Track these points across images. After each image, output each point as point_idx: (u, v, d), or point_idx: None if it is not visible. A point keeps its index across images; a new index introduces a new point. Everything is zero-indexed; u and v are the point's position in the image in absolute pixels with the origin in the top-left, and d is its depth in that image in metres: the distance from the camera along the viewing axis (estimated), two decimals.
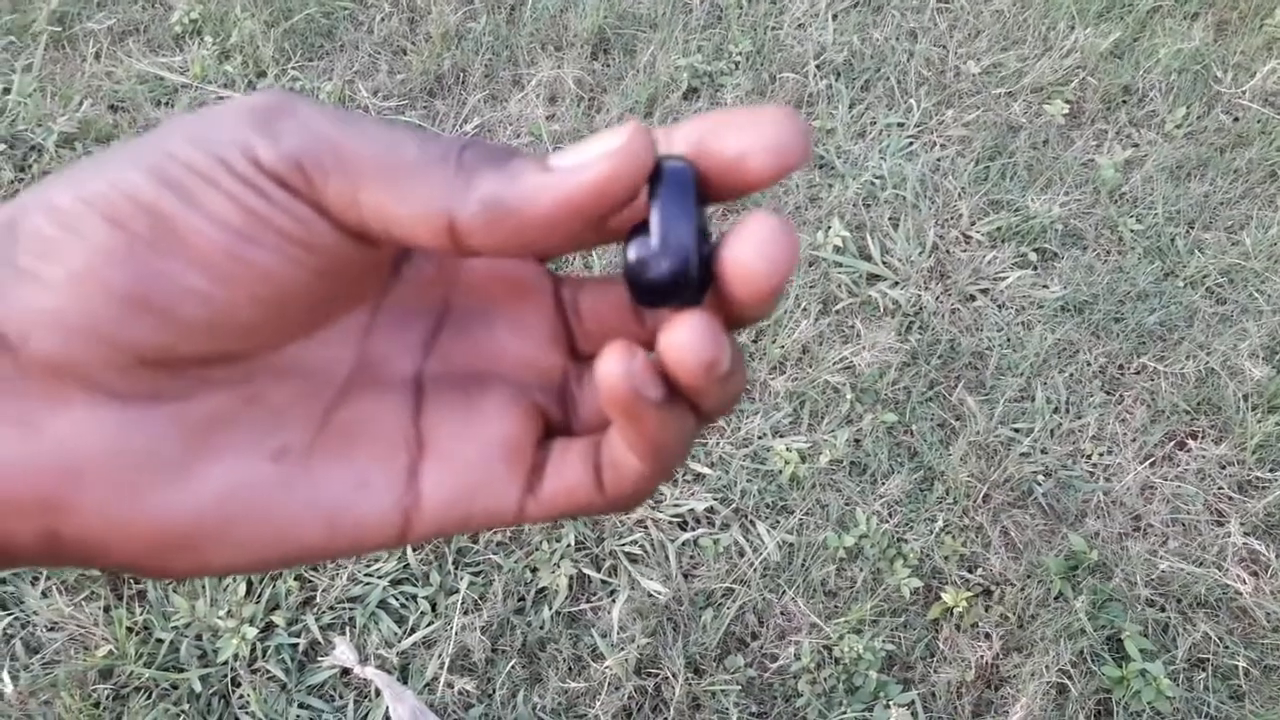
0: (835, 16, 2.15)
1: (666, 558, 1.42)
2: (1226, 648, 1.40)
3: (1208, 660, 1.39)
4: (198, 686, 1.27)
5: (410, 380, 0.28)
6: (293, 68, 1.94)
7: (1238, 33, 2.22)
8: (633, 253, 0.23)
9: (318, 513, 0.25)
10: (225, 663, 1.28)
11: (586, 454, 0.27)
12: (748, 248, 0.22)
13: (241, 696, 1.27)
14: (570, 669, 1.33)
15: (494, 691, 1.31)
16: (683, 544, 1.44)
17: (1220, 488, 1.55)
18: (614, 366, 0.23)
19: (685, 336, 0.22)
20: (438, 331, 0.28)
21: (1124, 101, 2.09)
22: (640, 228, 0.24)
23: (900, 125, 2.00)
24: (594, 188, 0.22)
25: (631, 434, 0.24)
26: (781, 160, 0.23)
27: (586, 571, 1.40)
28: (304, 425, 0.26)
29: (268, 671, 1.29)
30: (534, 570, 1.39)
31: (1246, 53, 2.19)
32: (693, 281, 0.23)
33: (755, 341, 1.65)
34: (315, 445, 0.26)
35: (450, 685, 1.31)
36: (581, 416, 0.29)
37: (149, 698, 1.26)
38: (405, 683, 1.31)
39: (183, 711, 1.25)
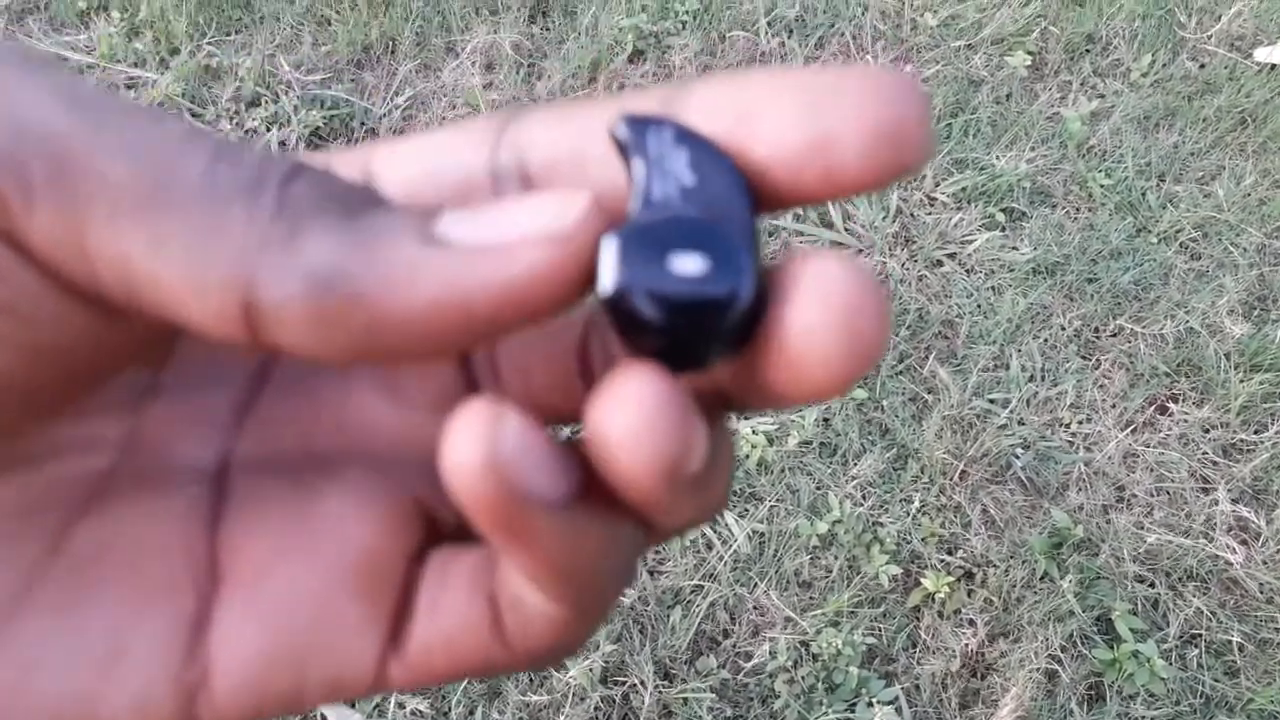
0: None
1: None
2: (1219, 622, 1.34)
3: (1200, 636, 1.33)
4: None
5: (209, 471, 0.18)
6: (208, 43, 1.81)
7: None
8: (637, 232, 0.14)
9: (29, 715, 0.15)
10: None
11: (479, 576, 0.17)
12: (816, 309, 0.13)
13: None
14: (531, 681, 1.24)
15: (449, 710, 1.21)
16: None
17: (1205, 453, 1.49)
18: (465, 446, 0.13)
19: (629, 416, 0.13)
20: (258, 393, 0.18)
21: (1087, 51, 2.01)
22: (650, 217, 0.14)
23: None
24: (516, 287, 0.13)
25: (522, 560, 0.15)
26: (897, 149, 0.14)
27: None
28: (18, 557, 0.16)
29: None
30: None
31: None
32: (743, 329, 0.14)
33: None
34: (33, 590, 0.16)
35: (402, 706, 1.21)
36: None
37: None
38: (353, 706, 1.21)
39: None
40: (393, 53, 1.83)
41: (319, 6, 1.88)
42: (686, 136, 0.14)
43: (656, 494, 0.14)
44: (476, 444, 0.13)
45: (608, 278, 0.13)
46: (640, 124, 0.15)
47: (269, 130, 1.69)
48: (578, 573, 0.15)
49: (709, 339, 0.14)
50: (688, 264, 0.13)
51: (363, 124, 1.74)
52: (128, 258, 0.13)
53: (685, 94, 0.15)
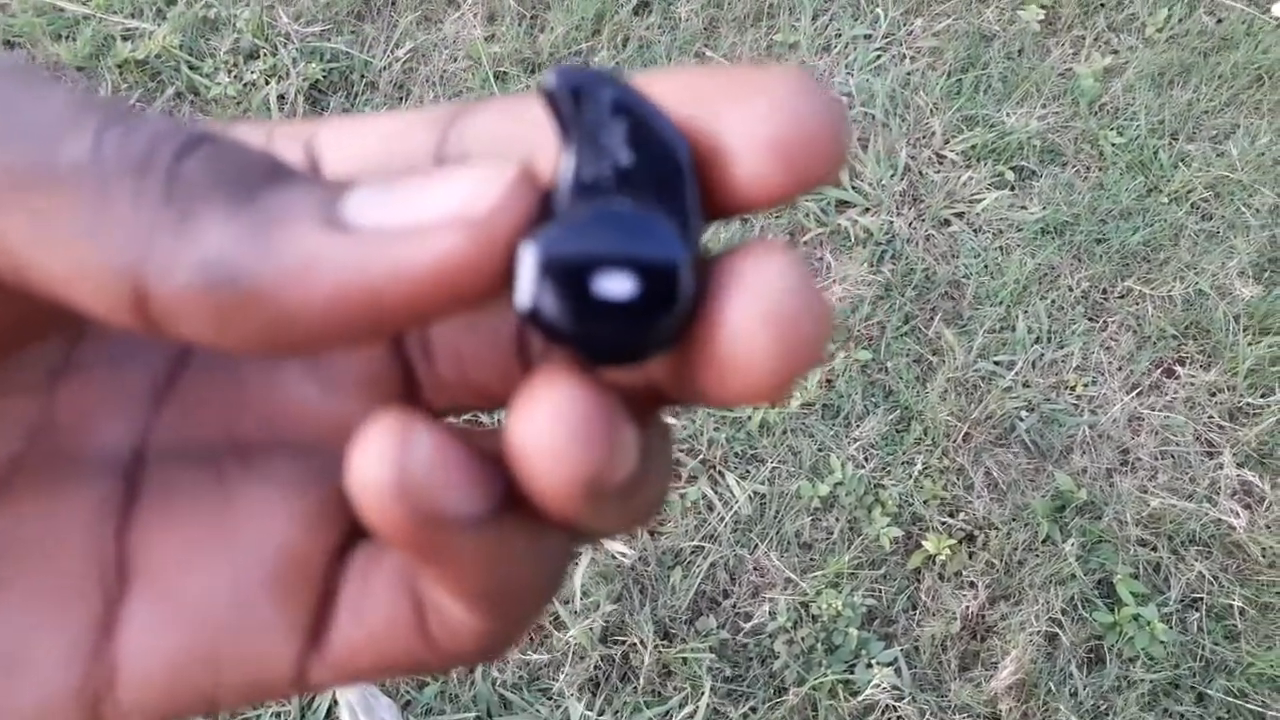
0: None
1: None
2: (1221, 586, 1.34)
3: (1201, 600, 1.33)
4: None
5: (123, 458, 0.16)
6: None
7: None
8: (557, 246, 0.12)
9: None
10: None
11: (404, 573, 0.16)
12: (750, 312, 0.13)
13: None
14: (531, 640, 1.24)
15: (449, 668, 1.22)
16: None
17: (1210, 417, 1.48)
18: (372, 467, 0.12)
19: (548, 429, 0.12)
20: (179, 371, 0.17)
21: (1102, 5, 1.97)
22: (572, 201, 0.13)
23: (867, 37, 1.87)
24: (427, 277, 0.12)
25: (438, 577, 0.14)
26: (795, 162, 0.13)
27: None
28: None
29: None
30: None
31: None
32: (674, 332, 0.13)
33: None
34: None
35: None
36: None
37: None
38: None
39: None
40: (393, 4, 1.80)
41: None
42: (627, 103, 0.13)
43: (579, 507, 0.13)
44: (384, 464, 0.12)
45: (524, 292, 0.12)
46: (576, 82, 0.13)
47: (268, 83, 1.66)
48: (498, 587, 0.14)
49: (636, 346, 0.13)
50: (613, 284, 0.12)
51: (363, 76, 1.71)
52: (7, 239, 0.12)
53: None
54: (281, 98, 1.65)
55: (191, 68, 1.68)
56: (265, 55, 1.70)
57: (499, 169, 0.12)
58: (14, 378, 0.16)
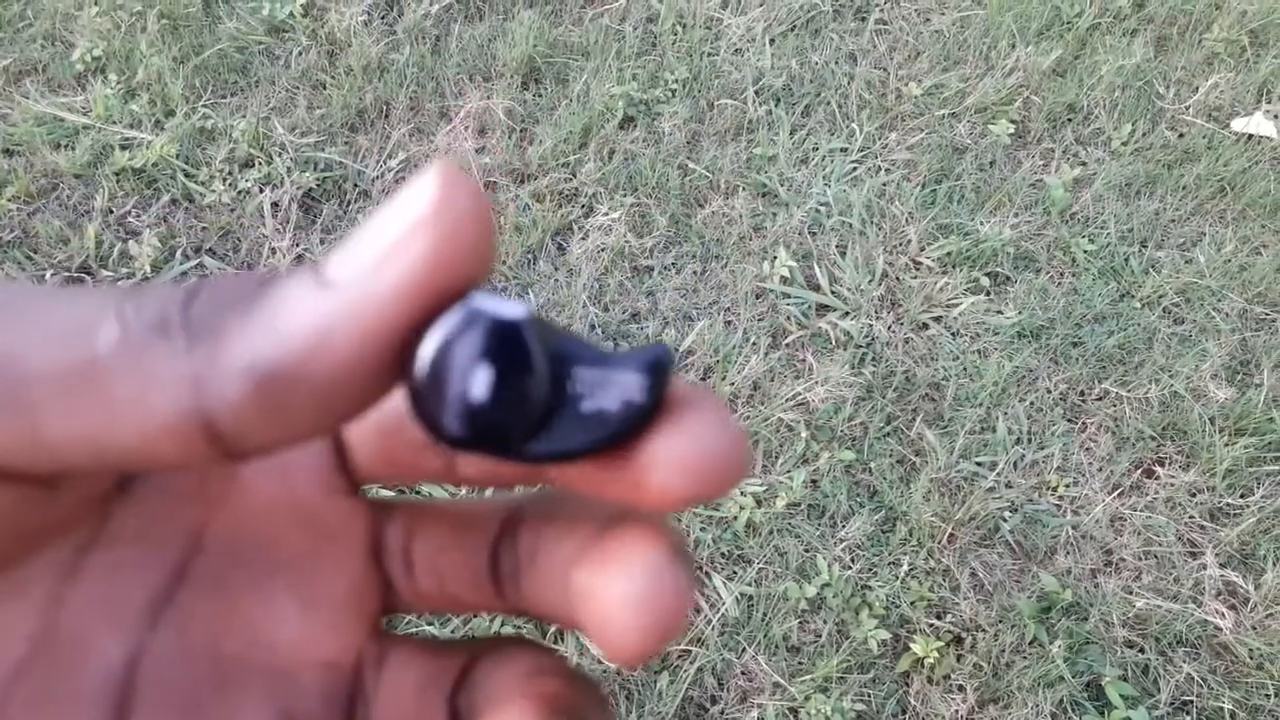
0: (773, 40, 2.09)
1: None
2: (1210, 689, 1.33)
3: (1192, 703, 1.32)
4: None
5: (117, 676, 0.17)
6: (204, 105, 1.83)
7: (1177, 48, 2.20)
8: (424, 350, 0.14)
9: None
10: None
11: None
12: (620, 589, 0.15)
13: None
14: None
15: None
16: None
17: (1191, 517, 1.49)
18: None
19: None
20: (176, 587, 0.18)
21: (1069, 120, 2.05)
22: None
23: (844, 150, 1.93)
24: (412, 291, 0.13)
25: None
26: (701, 482, 0.15)
27: (531, 639, 1.29)
28: None
29: None
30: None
31: (1187, 68, 2.16)
32: (516, 418, 0.15)
33: (704, 378, 1.56)
34: None
35: None
36: None
37: None
38: None
39: None
40: (386, 116, 1.86)
41: (314, 71, 1.91)
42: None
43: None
44: None
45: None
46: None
47: (262, 191, 1.70)
48: None
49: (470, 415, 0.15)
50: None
51: (355, 185, 1.75)
52: (80, 435, 0.14)
53: None
54: (275, 205, 1.69)
55: (188, 175, 1.72)
56: (260, 164, 1.74)
57: (433, 169, 0.14)
58: (26, 582, 0.17)
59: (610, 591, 0.14)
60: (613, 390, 0.15)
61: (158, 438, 0.13)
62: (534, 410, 0.15)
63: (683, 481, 0.15)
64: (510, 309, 0.14)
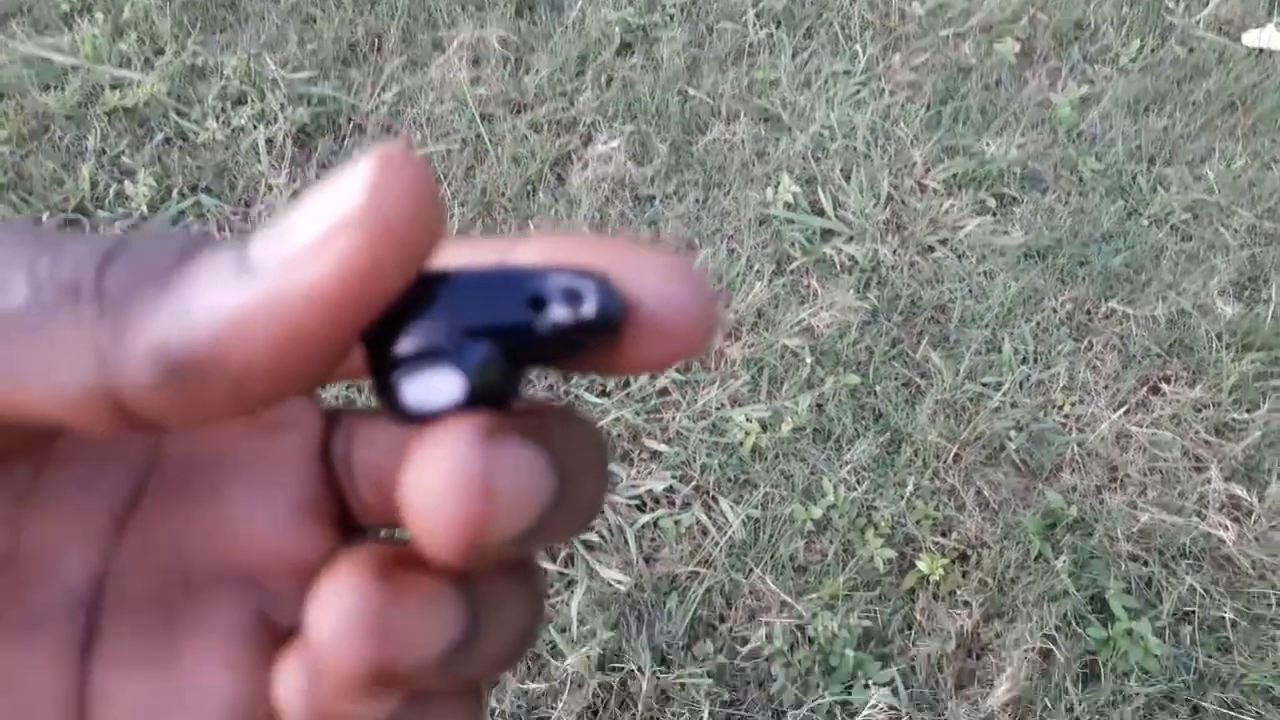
0: None
1: (626, 543, 1.33)
2: (1213, 599, 1.34)
3: (1194, 613, 1.33)
4: None
5: (82, 594, 0.17)
6: (193, 43, 1.80)
7: None
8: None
9: None
10: None
11: None
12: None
13: None
14: (529, 669, 1.24)
15: None
16: (642, 527, 1.35)
17: (1197, 432, 1.49)
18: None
19: (334, 621, 0.14)
20: (137, 500, 0.18)
21: (1076, 37, 2.01)
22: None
23: (847, 73, 1.90)
24: (336, 292, 0.12)
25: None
26: (675, 336, 0.15)
27: (541, 563, 1.30)
28: None
29: None
30: None
31: None
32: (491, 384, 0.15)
33: None
34: None
35: None
36: None
37: None
38: None
39: None
40: (379, 49, 1.83)
41: (304, 5, 1.88)
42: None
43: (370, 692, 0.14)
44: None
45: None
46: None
47: (256, 128, 1.69)
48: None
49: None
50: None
51: (350, 120, 1.73)
52: None
53: (517, 248, 0.16)
54: (270, 141, 1.67)
55: (180, 114, 1.70)
56: (253, 101, 1.72)
57: (379, 152, 0.13)
58: None
59: (411, 484, 0.14)
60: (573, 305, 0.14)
61: (64, 407, 0.13)
62: (517, 364, 0.14)
63: (658, 353, 0.15)
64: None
